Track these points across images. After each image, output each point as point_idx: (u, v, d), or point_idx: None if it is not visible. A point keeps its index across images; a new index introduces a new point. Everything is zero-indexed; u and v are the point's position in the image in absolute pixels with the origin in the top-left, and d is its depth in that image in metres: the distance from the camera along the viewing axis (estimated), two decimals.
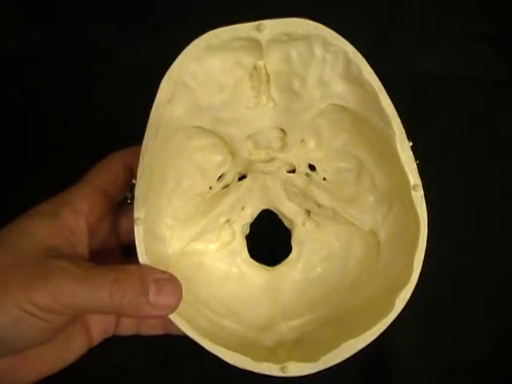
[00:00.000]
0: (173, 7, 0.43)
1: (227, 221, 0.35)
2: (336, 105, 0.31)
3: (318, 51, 0.29)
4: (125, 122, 0.36)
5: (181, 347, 0.33)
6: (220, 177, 0.34)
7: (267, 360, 0.28)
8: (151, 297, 0.26)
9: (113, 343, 0.32)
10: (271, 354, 0.30)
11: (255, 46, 0.29)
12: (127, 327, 0.32)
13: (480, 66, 0.43)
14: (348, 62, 0.29)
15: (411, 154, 0.29)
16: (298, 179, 0.34)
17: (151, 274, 0.27)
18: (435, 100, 0.42)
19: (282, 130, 0.33)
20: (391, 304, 0.28)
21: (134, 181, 0.28)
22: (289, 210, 0.35)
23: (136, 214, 0.28)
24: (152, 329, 0.32)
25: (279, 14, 0.28)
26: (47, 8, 0.42)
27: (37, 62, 0.42)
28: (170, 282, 0.27)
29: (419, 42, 0.43)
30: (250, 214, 0.35)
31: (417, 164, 0.29)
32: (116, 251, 0.33)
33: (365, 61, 0.29)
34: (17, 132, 0.41)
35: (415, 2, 0.44)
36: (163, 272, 0.27)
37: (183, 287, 0.28)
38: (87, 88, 0.41)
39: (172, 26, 0.43)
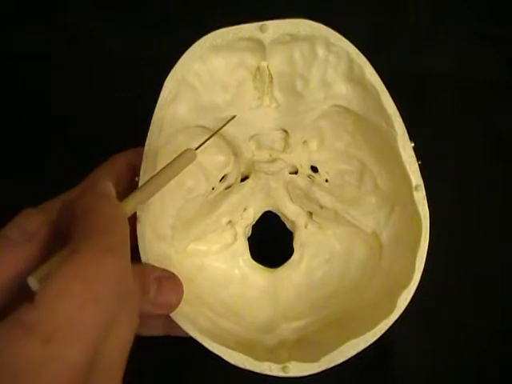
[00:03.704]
0: (173, 7, 0.43)
1: (229, 222, 0.35)
2: (338, 106, 0.31)
3: (321, 52, 0.29)
4: (126, 122, 0.36)
5: (181, 348, 0.33)
6: (223, 177, 0.34)
7: (268, 360, 0.28)
8: (152, 295, 0.26)
9: None
10: (272, 353, 0.30)
11: (258, 47, 0.29)
12: None
13: (480, 66, 0.43)
14: (351, 62, 0.29)
15: (413, 154, 0.29)
16: (300, 180, 0.34)
17: (152, 273, 0.27)
18: (435, 100, 0.42)
19: (285, 130, 0.33)
20: (393, 305, 0.29)
21: (136, 178, 0.28)
22: (291, 212, 0.35)
23: (138, 212, 0.28)
24: (153, 329, 0.32)
25: (278, 15, 0.28)
26: (47, 8, 0.42)
27: (37, 62, 0.42)
28: (171, 281, 0.27)
29: (419, 42, 0.43)
30: (252, 215, 0.35)
31: (418, 164, 0.29)
32: None
33: (367, 62, 0.29)
34: (17, 132, 0.41)
35: (415, 2, 0.44)
36: (164, 270, 0.28)
37: (185, 287, 0.28)
38: (88, 88, 0.41)
39: (172, 26, 0.43)
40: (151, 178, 0.25)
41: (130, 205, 0.24)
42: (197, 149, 0.27)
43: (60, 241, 0.22)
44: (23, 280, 0.20)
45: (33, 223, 0.23)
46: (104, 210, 0.22)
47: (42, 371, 0.17)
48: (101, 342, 0.18)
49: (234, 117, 0.31)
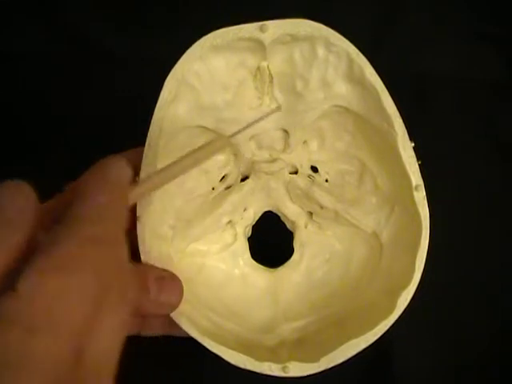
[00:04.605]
0: (173, 7, 0.43)
1: (229, 222, 0.35)
2: (339, 106, 0.31)
3: (321, 52, 0.29)
4: (126, 122, 0.36)
5: (181, 348, 0.33)
6: (223, 177, 0.34)
7: (268, 360, 0.28)
8: (152, 295, 0.26)
9: None
10: (272, 354, 0.30)
11: (259, 47, 0.29)
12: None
13: (480, 66, 0.43)
14: (351, 62, 0.29)
15: (413, 154, 0.29)
16: (300, 181, 0.34)
17: (153, 273, 0.27)
18: (435, 100, 0.42)
19: (285, 130, 0.33)
20: (393, 305, 0.29)
21: (136, 178, 0.28)
22: (291, 212, 0.35)
23: (139, 212, 0.28)
24: (153, 329, 0.32)
25: (278, 15, 0.28)
26: (47, 8, 0.42)
27: (37, 62, 0.42)
28: (171, 281, 0.27)
29: (419, 42, 0.43)
30: (252, 215, 0.35)
31: (419, 164, 0.29)
32: None
33: (367, 62, 0.29)
34: (16, 132, 0.41)
35: (415, 2, 0.44)
36: (164, 270, 0.28)
37: (185, 287, 0.28)
38: (88, 88, 0.41)
39: (172, 26, 0.43)
40: (174, 162, 0.23)
41: (144, 186, 0.23)
42: (230, 137, 0.26)
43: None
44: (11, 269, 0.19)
45: (16, 206, 0.19)
46: (97, 194, 0.20)
47: (24, 363, 0.16)
48: (85, 334, 0.18)
49: (279, 107, 0.30)
